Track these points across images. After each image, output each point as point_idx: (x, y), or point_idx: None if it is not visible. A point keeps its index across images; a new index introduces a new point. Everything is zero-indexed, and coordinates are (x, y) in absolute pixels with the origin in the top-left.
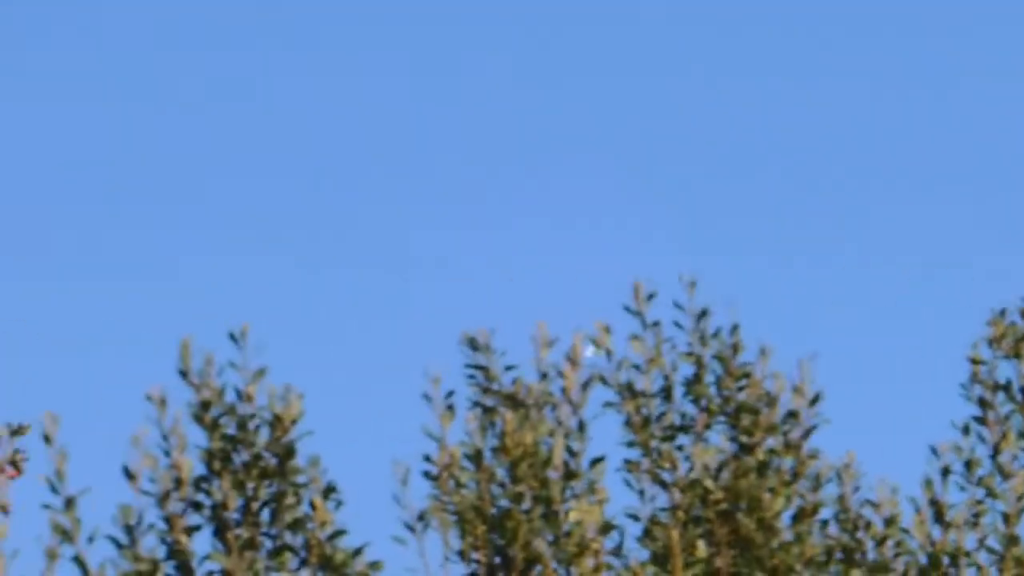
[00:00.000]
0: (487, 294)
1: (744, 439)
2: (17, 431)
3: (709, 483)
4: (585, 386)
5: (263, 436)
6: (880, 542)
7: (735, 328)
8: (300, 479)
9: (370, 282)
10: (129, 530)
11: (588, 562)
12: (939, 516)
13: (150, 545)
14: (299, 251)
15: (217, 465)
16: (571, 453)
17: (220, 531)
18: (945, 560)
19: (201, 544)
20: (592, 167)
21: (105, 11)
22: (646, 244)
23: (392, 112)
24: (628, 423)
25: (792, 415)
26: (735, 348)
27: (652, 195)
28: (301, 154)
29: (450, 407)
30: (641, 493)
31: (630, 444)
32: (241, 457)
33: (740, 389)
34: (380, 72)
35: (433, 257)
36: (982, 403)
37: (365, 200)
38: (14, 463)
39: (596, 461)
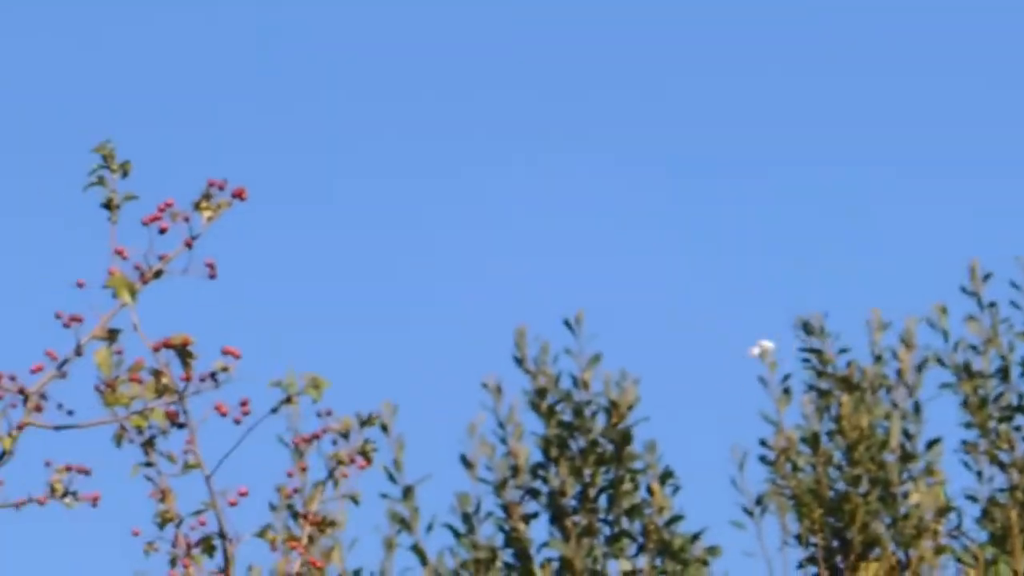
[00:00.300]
0: (820, 276)
1: None
2: (366, 421)
3: None
4: (920, 368)
5: (599, 422)
6: None
7: None
8: (637, 465)
9: (701, 265)
10: (467, 518)
11: (926, 544)
12: None
13: (488, 533)
14: (631, 239)
15: (554, 452)
16: (907, 435)
17: (557, 518)
18: None
19: (538, 531)
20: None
21: None
22: (982, 225)
23: None
24: (965, 404)
25: None
26: None
27: (989, 173)
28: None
29: (786, 391)
30: (979, 474)
31: (967, 425)
32: (578, 444)
33: None
34: None
35: (766, 238)
36: None
37: (687, 186)
38: (364, 453)
39: (933, 443)
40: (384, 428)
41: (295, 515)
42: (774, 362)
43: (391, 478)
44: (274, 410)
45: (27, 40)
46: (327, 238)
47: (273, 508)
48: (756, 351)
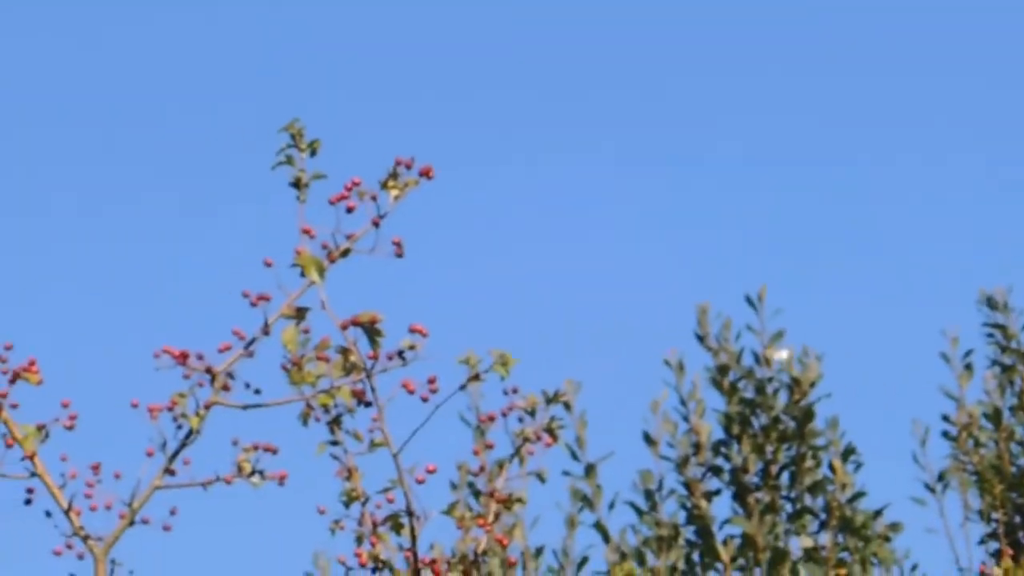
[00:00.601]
0: (1004, 252)
1: None
2: (552, 399)
3: None
4: None
5: (782, 399)
6: None
7: None
8: (819, 441)
9: (881, 242)
10: (649, 495)
11: None
12: None
13: (670, 510)
14: (812, 216)
15: (736, 429)
16: None
17: (739, 495)
18: None
19: (720, 508)
20: None
21: None
22: None
23: None
24: None
25: None
26: None
27: None
28: None
29: (968, 366)
30: None
31: None
32: (760, 421)
33: None
34: None
35: (949, 214)
36: None
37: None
38: (550, 431)
39: None
40: (567, 406)
41: (476, 494)
42: (956, 338)
43: (573, 456)
44: (462, 387)
45: (211, 15)
46: (514, 216)
47: (454, 487)
48: (781, 355)
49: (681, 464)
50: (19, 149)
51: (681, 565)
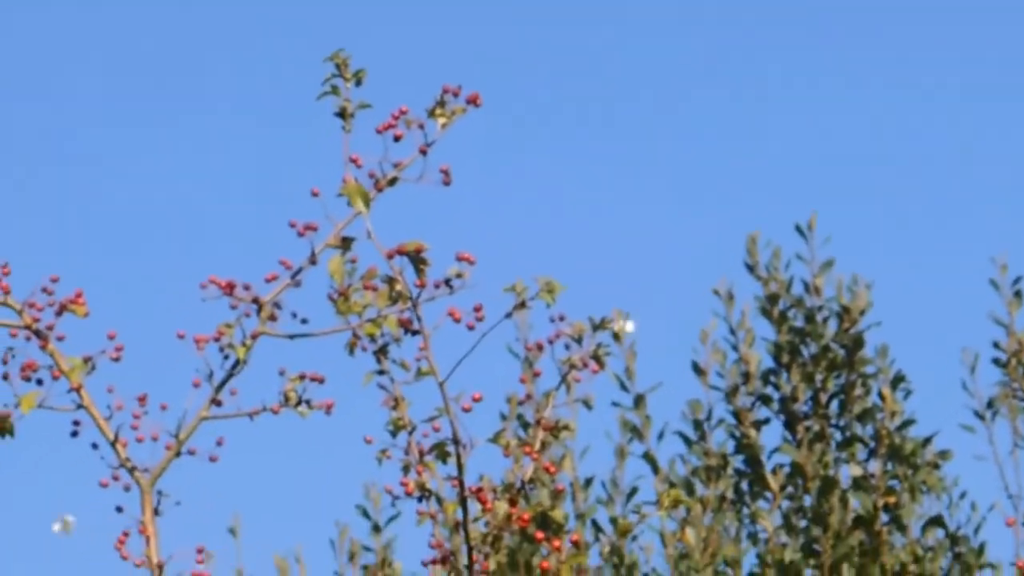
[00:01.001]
0: None
1: None
2: (599, 326)
3: None
4: None
5: (831, 328)
6: None
7: None
8: (869, 370)
9: (932, 168)
10: (698, 425)
11: None
12: None
13: (719, 440)
14: (862, 148)
15: (785, 358)
16: None
17: (789, 424)
18: None
19: (770, 437)
20: None
21: None
22: None
23: None
24: None
25: None
26: None
27: None
28: None
29: (1018, 293)
30: None
31: None
32: (809, 349)
33: None
34: None
35: (992, 137)
36: None
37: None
38: (596, 358)
39: None
40: (615, 336)
41: (524, 424)
42: (1005, 264)
43: (623, 386)
44: (508, 315)
45: None
46: (562, 143)
47: (503, 417)
48: (629, 327)
49: (730, 394)
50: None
51: (730, 494)
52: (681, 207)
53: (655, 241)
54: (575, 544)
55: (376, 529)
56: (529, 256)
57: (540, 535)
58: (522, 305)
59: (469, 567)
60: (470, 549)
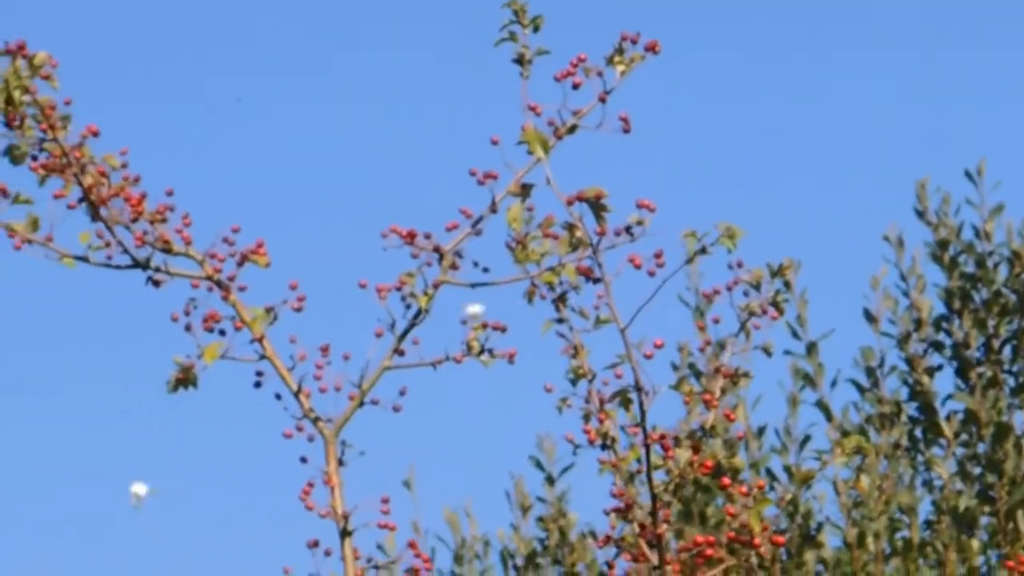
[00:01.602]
0: None
1: None
2: (777, 272)
3: None
4: None
5: (1002, 273)
6: None
7: None
8: None
9: None
10: (870, 372)
11: None
12: None
13: (892, 387)
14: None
15: (957, 304)
16: None
17: (962, 370)
18: None
19: (943, 384)
20: None
21: None
22: None
23: None
24: None
25: None
26: None
27: None
28: None
29: None
30: None
31: None
32: (981, 295)
33: None
34: None
35: None
36: None
37: None
38: (775, 304)
39: None
40: (787, 284)
41: (697, 374)
42: None
43: (795, 334)
44: (688, 260)
45: None
46: (737, 91)
47: (675, 367)
48: (476, 309)
49: (902, 340)
50: (238, 31)
51: (904, 441)
52: (850, 154)
53: (824, 188)
54: (760, 490)
55: (550, 480)
56: (706, 203)
57: (727, 481)
58: (703, 251)
59: (653, 515)
60: (654, 497)
